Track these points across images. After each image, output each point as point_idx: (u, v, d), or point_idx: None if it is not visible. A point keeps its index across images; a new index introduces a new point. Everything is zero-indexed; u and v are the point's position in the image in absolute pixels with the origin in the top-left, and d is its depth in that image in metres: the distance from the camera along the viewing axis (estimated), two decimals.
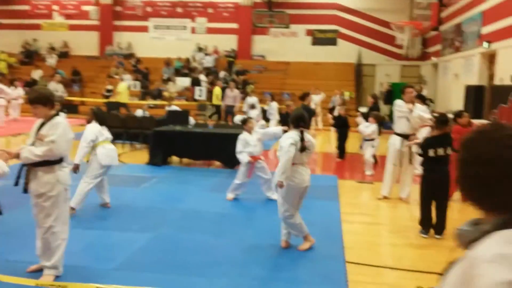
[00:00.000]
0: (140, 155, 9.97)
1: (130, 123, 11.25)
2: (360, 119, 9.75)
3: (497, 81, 13.88)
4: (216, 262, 4.54)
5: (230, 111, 16.36)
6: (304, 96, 9.64)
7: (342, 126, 10.87)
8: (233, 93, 16.49)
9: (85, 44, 24.10)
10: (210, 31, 24.30)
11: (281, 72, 22.97)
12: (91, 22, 24.49)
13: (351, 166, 10.27)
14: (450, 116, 7.34)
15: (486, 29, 14.82)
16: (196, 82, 19.85)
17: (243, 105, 15.76)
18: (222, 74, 20.92)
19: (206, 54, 22.83)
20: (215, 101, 17.14)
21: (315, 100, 16.64)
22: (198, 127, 10.75)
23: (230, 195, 6.83)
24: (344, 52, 23.68)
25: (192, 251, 4.81)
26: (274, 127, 9.06)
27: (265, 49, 24.43)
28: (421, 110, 8.74)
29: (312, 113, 10.09)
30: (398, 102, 6.89)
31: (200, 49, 23.15)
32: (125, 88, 17.24)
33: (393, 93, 20.09)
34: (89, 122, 6.20)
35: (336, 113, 11.24)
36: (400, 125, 6.88)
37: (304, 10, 24.02)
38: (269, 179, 6.66)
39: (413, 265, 4.56)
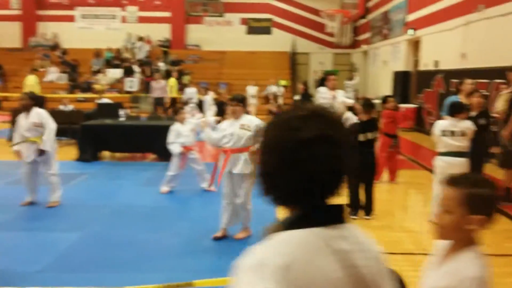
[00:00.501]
0: (69, 152, 9.51)
1: (56, 118, 10.63)
2: None
3: (421, 67, 14.64)
4: (150, 257, 4.43)
5: (159, 102, 15.75)
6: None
7: None
8: (159, 84, 15.90)
9: (7, 35, 22.48)
10: (142, 20, 23.58)
11: (217, 62, 22.79)
12: (12, 12, 22.88)
13: None
14: (377, 101, 7.67)
15: (411, 17, 15.54)
16: (129, 74, 19.20)
17: (182, 97, 15.47)
18: (161, 65, 20.38)
19: (139, 44, 22.11)
20: (171, 93, 16.54)
21: (251, 92, 16.64)
22: (130, 119, 10.42)
23: (164, 188, 6.69)
24: (278, 41, 23.91)
25: (123, 248, 4.66)
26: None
27: (200, 38, 24.11)
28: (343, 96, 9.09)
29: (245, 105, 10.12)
30: (321, 89, 7.08)
31: (131, 39, 22.38)
32: (34, 81, 16.21)
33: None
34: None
35: (273, 108, 11.37)
36: None
37: None
38: (202, 170, 6.61)
39: None
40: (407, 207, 6.49)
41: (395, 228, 5.35)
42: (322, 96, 7.02)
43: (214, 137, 4.80)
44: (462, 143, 5.19)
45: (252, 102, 16.94)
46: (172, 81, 16.91)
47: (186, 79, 17.18)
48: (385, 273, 1.17)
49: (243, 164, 4.65)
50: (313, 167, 1.04)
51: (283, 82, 19.57)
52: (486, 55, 10.13)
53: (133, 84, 18.49)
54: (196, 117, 12.51)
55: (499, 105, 6.63)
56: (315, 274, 1.01)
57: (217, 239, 4.83)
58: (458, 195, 1.58)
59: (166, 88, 16.03)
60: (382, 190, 7.07)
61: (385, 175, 7.44)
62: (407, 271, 4.08)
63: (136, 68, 19.60)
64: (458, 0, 11.75)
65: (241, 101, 4.80)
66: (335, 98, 6.92)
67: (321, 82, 20.74)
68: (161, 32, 23.16)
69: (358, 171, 5.47)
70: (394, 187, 7.34)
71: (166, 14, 23.47)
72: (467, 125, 5.23)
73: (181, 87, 17.20)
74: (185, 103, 12.42)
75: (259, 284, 0.98)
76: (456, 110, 5.31)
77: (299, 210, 1.08)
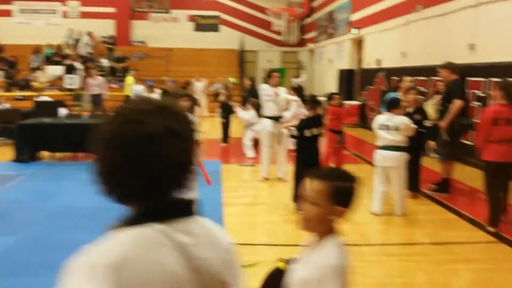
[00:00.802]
0: (5, 152, 8.99)
1: None
2: (238, 109, 10.00)
3: (365, 65, 15.11)
4: None
5: (97, 100, 14.89)
6: (186, 85, 9.52)
7: (227, 112, 10.98)
8: (96, 81, 15.11)
9: None
10: (84, 15, 22.72)
11: (163, 59, 22.38)
12: None
13: (235, 151, 10.41)
14: (323, 98, 7.83)
15: (355, 17, 15.98)
16: (70, 71, 18.43)
17: (130, 95, 15.02)
18: (105, 62, 19.71)
19: (85, 39, 21.29)
20: (127, 91, 15.92)
21: (198, 87, 16.52)
22: (71, 118, 10.00)
23: None
24: (226, 39, 23.85)
25: (63, 251, 4.42)
26: None
27: (146, 34, 23.58)
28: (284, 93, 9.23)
29: (195, 102, 9.96)
30: (263, 86, 7.11)
31: (73, 35, 21.50)
32: None
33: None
34: None
35: (222, 98, 11.29)
36: (268, 108, 7.12)
37: None
38: None
39: (289, 239, 4.75)
40: None
41: (341, 221, 5.46)
42: (265, 93, 7.06)
43: None
44: (397, 137, 5.37)
45: (201, 98, 16.85)
46: (130, 79, 16.44)
47: (131, 77, 16.73)
48: (234, 266, 1.18)
49: None
50: (158, 162, 1.02)
51: (232, 80, 19.54)
52: (424, 53, 10.60)
53: (73, 81, 17.72)
54: None
55: (431, 114, 7.06)
56: (154, 270, 1.00)
57: None
58: (325, 188, 1.65)
59: (104, 84, 15.41)
60: None
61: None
62: (354, 261, 4.21)
63: (78, 65, 18.85)
64: (398, 0, 12.22)
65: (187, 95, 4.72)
66: (277, 95, 6.98)
67: (265, 79, 21.11)
68: (105, 28, 22.45)
69: (305, 166, 5.57)
70: None
71: (110, 9, 22.76)
72: (401, 120, 5.42)
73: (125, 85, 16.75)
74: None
75: (86, 286, 0.96)
76: (393, 106, 5.51)
77: (142, 206, 1.07)
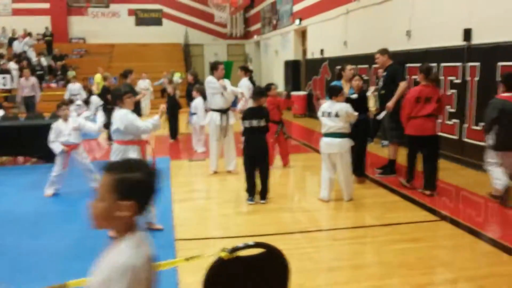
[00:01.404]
0: None
1: None
2: (194, 117, 9.64)
3: (309, 55, 15.33)
4: (32, 266, 4.05)
5: (30, 102, 13.85)
6: (126, 73, 9.14)
7: (173, 107, 10.75)
8: (29, 81, 13.90)
9: None
10: (17, 12, 21.53)
11: (105, 55, 21.67)
12: None
13: (184, 146, 10.27)
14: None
15: (297, 7, 16.15)
16: (3, 70, 17.40)
17: (65, 93, 14.31)
18: (43, 60, 18.75)
19: (15, 39, 20.16)
20: (97, 90, 14.99)
21: (141, 85, 16.01)
22: (6, 120, 9.44)
23: (48, 191, 6.18)
24: (170, 32, 23.42)
25: (3, 257, 4.20)
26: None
27: (85, 31, 22.71)
28: (244, 84, 9.16)
29: (134, 92, 9.65)
30: (210, 79, 6.99)
31: (6, 33, 20.31)
32: None
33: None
34: None
35: (169, 90, 10.98)
36: (215, 101, 7.03)
37: None
38: (89, 169, 6.22)
39: (241, 231, 4.74)
40: (301, 188, 6.75)
41: (292, 209, 5.52)
42: (212, 85, 6.96)
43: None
44: (339, 124, 5.48)
45: (146, 95, 16.42)
46: (98, 77, 15.43)
47: (70, 74, 16.03)
48: None
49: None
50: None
51: (178, 74, 19.19)
52: (365, 42, 10.89)
53: (6, 81, 16.72)
54: (83, 115, 11.73)
55: (372, 105, 7.33)
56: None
57: None
58: (108, 181, 1.53)
59: (37, 86, 14.49)
60: (277, 174, 7.27)
61: (278, 160, 7.68)
62: (305, 247, 4.27)
63: (12, 65, 17.84)
64: None
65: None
66: (224, 88, 6.91)
67: (211, 72, 20.92)
68: (40, 25, 21.39)
69: (252, 157, 5.56)
70: (289, 171, 7.59)
71: (45, 5, 21.71)
72: (341, 107, 5.53)
73: (65, 83, 16.05)
74: (70, 101, 11.49)
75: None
76: (333, 93, 5.61)
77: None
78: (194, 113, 9.39)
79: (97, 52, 21.82)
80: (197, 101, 9.21)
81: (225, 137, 7.04)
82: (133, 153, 4.57)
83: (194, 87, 9.67)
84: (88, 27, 22.77)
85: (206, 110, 9.36)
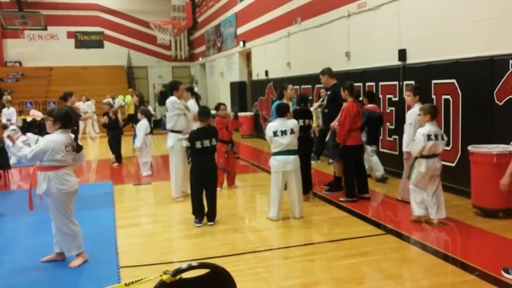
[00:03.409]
0: None
1: None
2: (136, 140, 9.40)
3: (254, 77, 15.52)
4: None
5: None
6: (66, 96, 8.76)
7: (115, 129, 10.45)
8: None
9: None
10: None
11: (43, 79, 20.85)
12: None
13: (128, 170, 9.96)
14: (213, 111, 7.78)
15: (241, 30, 16.38)
16: None
17: (2, 118, 13.55)
18: None
19: None
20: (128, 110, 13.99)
21: (83, 108, 15.53)
22: None
23: None
24: (112, 55, 22.98)
25: None
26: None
27: (21, 54, 21.79)
28: (192, 105, 9.03)
29: (77, 115, 9.28)
30: (174, 99, 6.69)
31: None
32: None
33: (167, 93, 20.46)
34: None
35: (110, 114, 10.66)
36: (180, 122, 6.72)
37: (61, 10, 22.30)
38: None
39: (189, 255, 4.60)
40: (250, 208, 6.70)
41: (242, 229, 5.45)
42: (178, 106, 6.65)
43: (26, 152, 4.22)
44: (292, 141, 5.57)
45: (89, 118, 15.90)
46: (129, 98, 16.68)
47: (5, 98, 15.23)
48: None
49: (39, 184, 4.21)
50: None
51: (121, 97, 18.76)
52: (307, 63, 11.19)
53: None
54: (20, 139, 11.09)
55: (314, 121, 7.55)
56: None
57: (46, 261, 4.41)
58: None
59: None
60: (225, 195, 7.19)
61: (225, 181, 7.60)
62: (256, 267, 4.20)
63: None
64: (279, 13, 12.78)
65: (51, 115, 4.34)
66: (187, 108, 6.77)
67: (161, 96, 20.69)
68: None
69: (201, 178, 5.46)
70: (238, 191, 7.53)
71: None
72: (294, 123, 5.65)
73: (1, 107, 15.21)
74: (4, 126, 10.87)
75: None
76: (284, 110, 5.68)
77: None
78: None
79: (34, 76, 20.93)
80: (142, 123, 8.99)
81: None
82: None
83: (139, 109, 9.45)
84: (24, 50, 21.84)
85: (149, 133, 9.17)
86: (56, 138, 4.24)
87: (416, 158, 5.26)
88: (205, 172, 5.53)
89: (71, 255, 4.38)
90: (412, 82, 7.38)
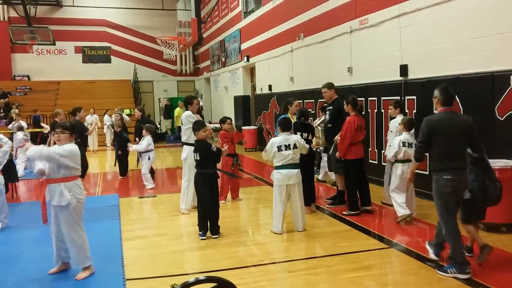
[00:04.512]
0: None
1: None
2: (130, 145, 9.65)
3: (258, 91, 15.67)
4: None
5: None
6: (75, 111, 8.93)
7: (122, 143, 10.57)
8: None
9: None
10: None
11: (51, 93, 21.14)
12: None
13: (133, 183, 10.05)
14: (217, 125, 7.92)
15: (245, 45, 16.59)
16: None
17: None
18: None
19: None
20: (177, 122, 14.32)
21: (89, 121, 15.74)
22: None
23: None
24: (119, 69, 23.27)
25: None
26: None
27: (29, 68, 22.12)
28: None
29: (85, 129, 9.46)
30: (189, 113, 6.82)
31: None
32: None
33: (172, 107, 20.66)
34: None
35: (116, 127, 10.84)
36: (193, 136, 6.83)
37: (70, 26, 22.67)
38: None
39: (194, 267, 4.66)
40: (253, 221, 6.76)
41: (245, 242, 5.49)
42: (191, 120, 6.72)
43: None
44: (296, 155, 5.66)
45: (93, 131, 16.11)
46: (178, 110, 17.58)
47: (14, 112, 15.44)
48: None
49: (59, 195, 4.25)
50: None
51: (127, 111, 18.97)
52: (309, 78, 11.32)
53: None
54: (26, 146, 11.33)
55: (321, 139, 7.79)
56: None
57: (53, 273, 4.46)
58: None
59: None
60: (229, 207, 7.26)
61: (229, 194, 7.68)
62: (260, 281, 4.25)
63: None
64: (283, 29, 12.97)
65: (67, 128, 4.39)
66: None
67: (166, 109, 20.87)
68: None
69: (198, 191, 5.54)
70: (241, 204, 7.59)
71: None
72: (297, 138, 5.76)
73: (9, 121, 15.44)
74: (20, 128, 11.17)
75: None
76: (288, 125, 5.80)
77: None
78: (145, 152, 9.27)
79: (42, 90, 21.21)
80: (146, 139, 9.20)
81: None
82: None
83: (145, 126, 9.60)
84: (32, 65, 22.16)
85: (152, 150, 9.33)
86: (75, 148, 4.34)
87: (393, 164, 6.17)
88: (207, 185, 5.60)
89: (85, 265, 4.43)
90: (414, 97, 7.48)
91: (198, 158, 5.63)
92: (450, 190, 4.20)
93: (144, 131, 9.31)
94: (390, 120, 7.16)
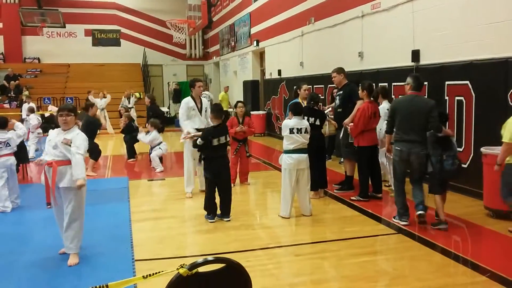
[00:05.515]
0: None
1: None
2: (141, 135, 9.75)
3: (267, 76, 15.59)
4: None
5: None
6: (88, 106, 9.00)
7: (130, 133, 10.63)
8: None
9: None
10: None
11: (61, 75, 21.19)
12: None
13: (142, 166, 10.12)
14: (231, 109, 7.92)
15: (255, 30, 16.45)
16: None
17: (22, 113, 13.90)
18: None
19: None
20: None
21: (100, 103, 15.84)
22: None
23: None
24: (129, 53, 23.24)
25: None
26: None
27: (40, 50, 22.17)
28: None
29: (97, 125, 9.50)
30: (187, 100, 6.78)
31: None
32: None
33: (181, 91, 20.65)
34: None
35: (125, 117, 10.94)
36: (193, 123, 6.76)
37: (80, 9, 22.63)
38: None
39: (201, 249, 4.71)
40: (261, 205, 6.78)
41: (253, 226, 5.53)
42: (193, 107, 6.74)
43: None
44: (306, 140, 5.67)
45: (105, 114, 16.22)
46: (222, 95, 18.13)
47: (24, 94, 15.54)
48: None
49: (69, 177, 4.26)
50: None
51: (137, 94, 19.01)
52: (320, 63, 11.22)
53: None
54: (38, 131, 11.53)
55: (324, 129, 7.66)
56: None
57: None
58: None
59: None
60: (237, 192, 7.29)
61: (237, 178, 7.72)
62: (267, 264, 4.28)
63: None
64: (293, 13, 12.82)
65: (72, 110, 4.42)
66: (204, 110, 6.85)
67: (176, 94, 20.88)
68: None
69: (212, 174, 5.56)
70: (249, 188, 7.62)
71: None
72: (307, 123, 5.77)
73: (20, 103, 15.55)
74: (23, 120, 11.21)
75: None
76: (300, 110, 5.79)
77: None
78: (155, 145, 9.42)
79: (52, 72, 21.29)
80: (152, 134, 9.42)
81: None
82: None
83: (150, 121, 9.74)
84: (43, 47, 22.22)
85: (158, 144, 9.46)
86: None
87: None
88: (218, 169, 5.60)
89: (77, 251, 4.41)
90: (425, 83, 7.38)
91: (226, 141, 5.68)
92: (398, 159, 5.26)
93: (149, 126, 9.51)
94: None
